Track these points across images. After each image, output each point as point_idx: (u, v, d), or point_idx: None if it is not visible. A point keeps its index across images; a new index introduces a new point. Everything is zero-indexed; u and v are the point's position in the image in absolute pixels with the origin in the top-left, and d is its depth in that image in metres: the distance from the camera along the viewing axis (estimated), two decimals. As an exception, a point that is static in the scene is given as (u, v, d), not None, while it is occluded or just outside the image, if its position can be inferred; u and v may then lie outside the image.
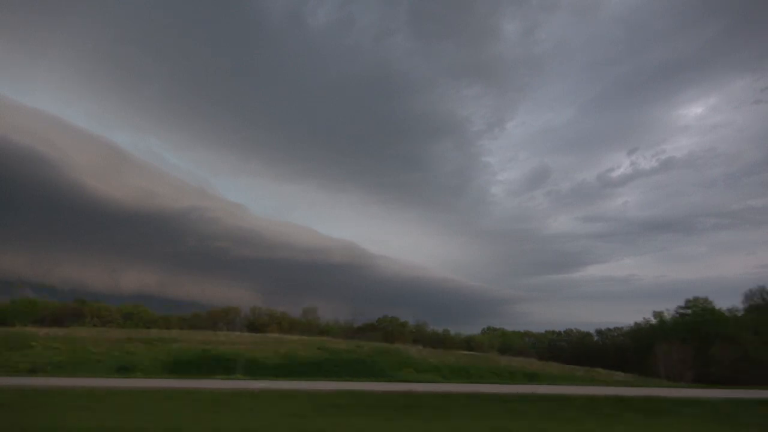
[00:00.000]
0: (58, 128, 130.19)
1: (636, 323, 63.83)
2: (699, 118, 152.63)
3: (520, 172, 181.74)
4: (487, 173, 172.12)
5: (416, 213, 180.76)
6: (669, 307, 57.38)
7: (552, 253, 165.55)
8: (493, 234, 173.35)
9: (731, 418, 16.14)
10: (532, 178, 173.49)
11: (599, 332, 70.74)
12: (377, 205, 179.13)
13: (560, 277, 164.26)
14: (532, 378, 31.37)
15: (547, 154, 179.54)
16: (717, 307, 52.35)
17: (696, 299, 54.19)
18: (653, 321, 59.54)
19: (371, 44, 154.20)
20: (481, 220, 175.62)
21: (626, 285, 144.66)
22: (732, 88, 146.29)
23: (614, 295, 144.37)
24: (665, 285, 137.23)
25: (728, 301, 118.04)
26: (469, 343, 61.63)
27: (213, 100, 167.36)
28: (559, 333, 76.37)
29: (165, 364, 27.40)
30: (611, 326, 69.13)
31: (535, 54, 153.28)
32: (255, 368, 27.29)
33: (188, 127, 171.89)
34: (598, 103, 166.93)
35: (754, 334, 44.02)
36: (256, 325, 56.98)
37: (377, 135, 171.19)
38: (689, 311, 53.73)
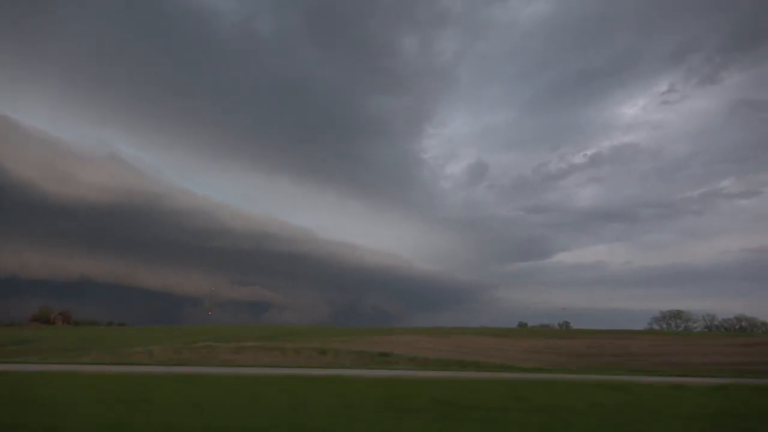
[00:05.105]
0: (10, 129, 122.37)
1: None
2: (621, 118, 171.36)
3: (460, 168, 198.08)
4: (430, 168, 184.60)
5: (369, 205, 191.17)
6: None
7: (513, 242, 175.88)
8: (451, 223, 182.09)
9: None
10: (473, 173, 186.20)
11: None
12: (332, 197, 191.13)
13: (529, 265, 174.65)
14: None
15: (486, 152, 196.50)
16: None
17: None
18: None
19: (279, 54, 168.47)
20: (436, 211, 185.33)
21: (595, 271, 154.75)
22: (646, 92, 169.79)
23: (585, 281, 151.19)
24: (633, 271, 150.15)
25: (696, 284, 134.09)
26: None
27: (168, 103, 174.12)
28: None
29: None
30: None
31: (438, 64, 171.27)
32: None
33: (148, 128, 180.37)
34: (531, 106, 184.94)
35: None
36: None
37: (316, 134, 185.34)
38: None
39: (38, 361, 25.90)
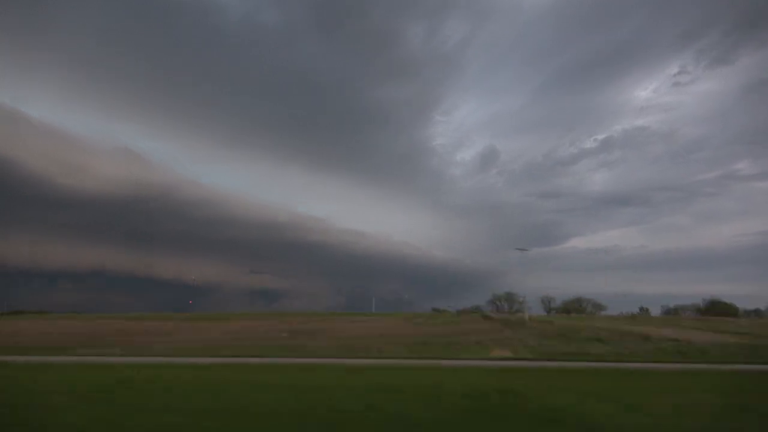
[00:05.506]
0: (21, 122, 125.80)
1: None
2: (632, 101, 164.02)
3: (470, 155, 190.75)
4: (439, 156, 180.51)
5: (380, 193, 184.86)
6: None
7: (526, 227, 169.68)
8: (462, 209, 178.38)
9: None
10: (483, 159, 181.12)
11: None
12: (342, 186, 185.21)
13: (542, 250, 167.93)
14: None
15: (496, 138, 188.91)
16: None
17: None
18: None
19: (285, 45, 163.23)
20: (446, 198, 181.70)
21: (609, 256, 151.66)
22: (657, 75, 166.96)
23: (599, 266, 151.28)
24: (648, 255, 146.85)
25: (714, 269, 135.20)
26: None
27: (177, 95, 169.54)
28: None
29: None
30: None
31: (445, 51, 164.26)
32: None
33: (158, 120, 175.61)
34: (540, 91, 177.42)
35: None
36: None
37: (324, 124, 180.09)
38: None
39: None
